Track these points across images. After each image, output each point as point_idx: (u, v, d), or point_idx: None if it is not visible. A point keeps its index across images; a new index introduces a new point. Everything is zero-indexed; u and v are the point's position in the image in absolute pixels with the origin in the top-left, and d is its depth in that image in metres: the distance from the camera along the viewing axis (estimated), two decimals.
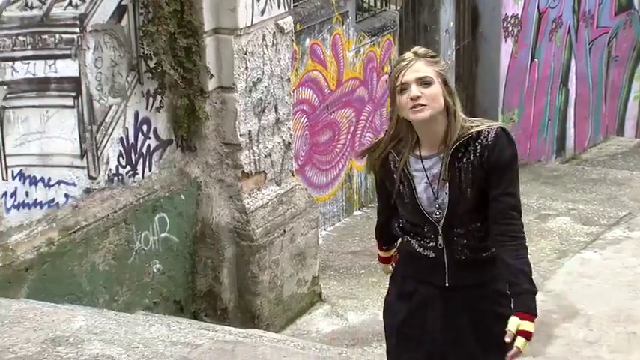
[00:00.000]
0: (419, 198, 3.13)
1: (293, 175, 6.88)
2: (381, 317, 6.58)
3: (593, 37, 12.60)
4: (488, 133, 3.06)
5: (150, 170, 6.05)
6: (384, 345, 3.47)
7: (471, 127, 3.08)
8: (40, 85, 5.19)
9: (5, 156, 5.02)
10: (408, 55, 3.10)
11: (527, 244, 3.10)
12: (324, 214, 8.16)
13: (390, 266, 3.54)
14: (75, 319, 4.40)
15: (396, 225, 3.27)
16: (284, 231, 6.59)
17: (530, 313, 2.95)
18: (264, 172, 6.55)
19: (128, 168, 5.89)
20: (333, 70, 8.13)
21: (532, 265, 3.09)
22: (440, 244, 3.14)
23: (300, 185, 6.98)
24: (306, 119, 7.91)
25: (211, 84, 6.13)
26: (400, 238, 3.31)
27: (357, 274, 7.44)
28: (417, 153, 3.14)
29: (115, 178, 5.79)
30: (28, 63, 5.10)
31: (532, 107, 11.73)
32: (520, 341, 2.91)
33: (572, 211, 8.85)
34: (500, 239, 3.05)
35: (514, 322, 2.93)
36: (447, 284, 3.18)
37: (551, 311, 6.48)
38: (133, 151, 5.90)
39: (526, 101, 11.57)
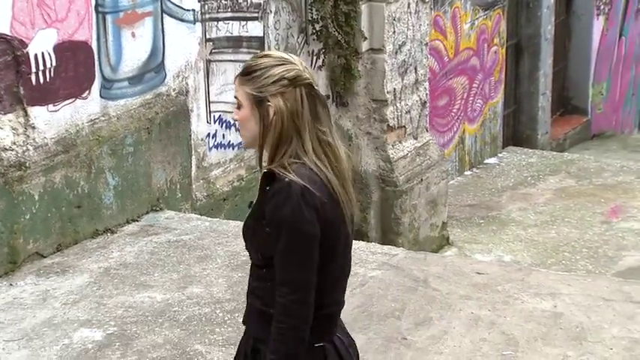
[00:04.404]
0: None
1: (427, 131, 7.69)
2: (505, 259, 7.38)
3: None
4: (277, 176, 2.37)
5: None
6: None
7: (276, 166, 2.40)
8: (235, 43, 6.06)
9: (210, 102, 5.89)
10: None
11: (300, 326, 2.37)
12: None
13: None
14: None
15: None
16: (421, 179, 7.40)
17: None
18: (404, 126, 7.36)
19: None
20: (452, 40, 8.91)
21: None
22: None
23: (433, 140, 7.78)
24: (427, 85, 8.69)
25: (364, 46, 6.96)
26: None
27: (477, 223, 8.22)
28: None
29: None
30: (228, 23, 5.96)
31: (618, 82, 12.40)
32: None
33: None
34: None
35: None
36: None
37: None
38: None
39: (613, 76, 12.24)
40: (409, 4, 7.17)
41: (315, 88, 2.43)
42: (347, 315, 4.30)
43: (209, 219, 5.47)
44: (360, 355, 2.64)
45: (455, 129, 9.28)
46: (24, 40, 4.65)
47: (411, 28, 7.24)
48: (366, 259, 4.94)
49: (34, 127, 4.74)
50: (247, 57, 6.15)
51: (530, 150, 10.20)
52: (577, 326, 4.24)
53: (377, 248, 5.13)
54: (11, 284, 4.53)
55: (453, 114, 9.19)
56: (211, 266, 4.80)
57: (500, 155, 9.99)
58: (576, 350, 4.04)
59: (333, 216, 2.41)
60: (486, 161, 9.81)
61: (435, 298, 4.50)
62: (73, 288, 4.51)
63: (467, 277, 4.74)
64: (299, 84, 2.40)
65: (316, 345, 2.44)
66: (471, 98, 9.43)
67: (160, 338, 4.11)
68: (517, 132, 10.76)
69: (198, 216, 5.53)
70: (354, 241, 2.69)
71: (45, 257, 4.80)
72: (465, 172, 9.51)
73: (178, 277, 4.67)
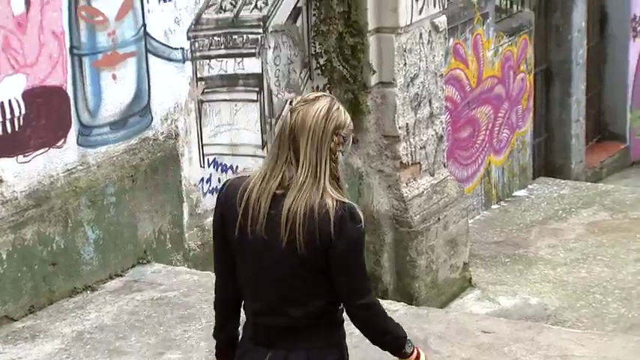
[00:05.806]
0: None
1: (445, 167, 7.26)
2: (531, 302, 6.92)
3: None
4: None
5: None
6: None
7: None
8: (230, 81, 5.71)
9: (202, 145, 5.54)
10: None
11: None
12: None
13: None
14: None
15: None
16: (438, 218, 6.97)
17: None
18: (419, 162, 6.94)
19: None
20: (474, 68, 8.49)
21: None
22: None
23: (451, 176, 7.35)
24: (448, 116, 8.27)
25: (373, 79, 6.57)
26: None
27: (502, 262, 7.75)
28: None
29: None
30: (221, 61, 5.62)
31: None
32: None
33: None
34: None
35: None
36: None
37: None
38: None
39: None
40: (421, 35, 6.77)
41: (289, 116, 2.70)
42: None
43: (198, 272, 5.10)
44: None
45: (480, 161, 8.83)
46: None
47: (424, 59, 6.83)
48: None
49: (1, 181, 4.43)
50: (244, 95, 5.82)
51: (563, 181, 9.70)
52: None
53: None
54: None
55: (477, 146, 8.75)
56: (194, 327, 4.42)
57: (530, 187, 9.51)
58: None
59: (230, 217, 2.65)
60: (515, 194, 9.34)
61: None
62: (40, 356, 4.17)
63: (471, 336, 4.30)
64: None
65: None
66: (497, 128, 8.98)
67: None
68: (549, 162, 10.27)
69: (187, 269, 5.16)
70: None
71: (15, 321, 4.47)
72: (492, 206, 9.04)
73: (156, 342, 4.29)
